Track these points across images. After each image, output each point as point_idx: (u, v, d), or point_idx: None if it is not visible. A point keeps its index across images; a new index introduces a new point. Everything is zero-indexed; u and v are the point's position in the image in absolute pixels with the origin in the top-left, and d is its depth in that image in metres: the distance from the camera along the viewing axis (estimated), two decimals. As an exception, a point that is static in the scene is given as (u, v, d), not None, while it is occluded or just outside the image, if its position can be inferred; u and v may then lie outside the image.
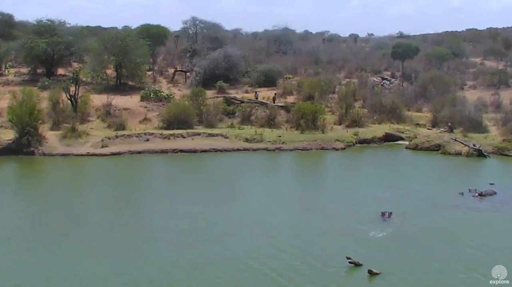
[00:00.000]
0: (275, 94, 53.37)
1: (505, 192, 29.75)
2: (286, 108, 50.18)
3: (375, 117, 49.73)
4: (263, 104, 50.32)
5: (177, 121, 45.56)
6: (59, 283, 18.47)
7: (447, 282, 18.58)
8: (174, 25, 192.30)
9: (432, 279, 18.70)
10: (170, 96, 51.51)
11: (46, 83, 52.04)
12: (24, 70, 59.49)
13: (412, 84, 62.56)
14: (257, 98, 51.63)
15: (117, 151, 39.86)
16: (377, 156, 41.45)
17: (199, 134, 43.94)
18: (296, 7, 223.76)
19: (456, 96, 52.63)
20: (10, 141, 39.57)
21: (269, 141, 42.87)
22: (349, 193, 29.90)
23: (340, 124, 48.06)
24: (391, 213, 25.11)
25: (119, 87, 55.09)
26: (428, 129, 47.87)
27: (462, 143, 40.76)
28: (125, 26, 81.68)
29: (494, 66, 72.17)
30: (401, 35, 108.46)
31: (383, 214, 25.04)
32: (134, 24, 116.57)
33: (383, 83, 64.64)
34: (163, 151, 40.39)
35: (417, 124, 49.26)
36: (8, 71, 59.48)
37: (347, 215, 25.61)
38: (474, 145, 40.17)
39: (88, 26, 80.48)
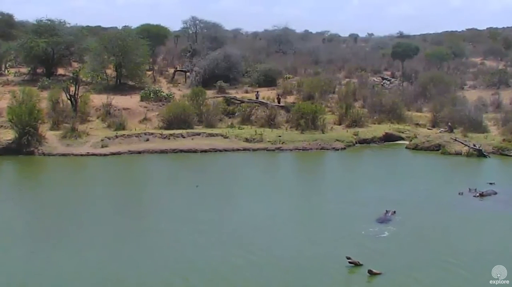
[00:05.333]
0: (278, 95, 53.35)
1: (505, 192, 29.70)
2: (286, 108, 50.18)
3: (375, 117, 49.68)
4: (263, 104, 50.32)
5: (177, 121, 45.52)
6: (62, 281, 18.49)
7: (447, 282, 18.56)
8: (174, 25, 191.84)
9: (432, 279, 18.68)
10: (170, 96, 51.49)
11: (46, 83, 51.98)
12: (24, 70, 59.41)
13: (412, 84, 62.49)
14: (257, 98, 51.61)
15: (117, 151, 39.85)
16: (377, 156, 41.45)
17: (199, 134, 43.91)
18: (296, 7, 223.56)
19: (456, 96, 52.57)
20: (10, 141, 39.57)
21: (269, 141, 42.85)
22: (349, 192, 29.87)
23: (340, 124, 48.02)
24: (394, 211, 25.18)
25: (119, 87, 55.05)
26: (428, 129, 47.82)
27: (462, 143, 40.74)
28: (125, 26, 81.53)
29: (494, 66, 72.09)
30: (401, 35, 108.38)
31: (387, 212, 25.10)
32: (134, 24, 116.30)
33: (383, 83, 64.58)
34: (163, 151, 40.38)
35: (417, 124, 49.17)
36: (8, 71, 59.43)
37: (347, 215, 25.59)
38: (474, 145, 40.14)
39: (88, 26, 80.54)
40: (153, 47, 64.91)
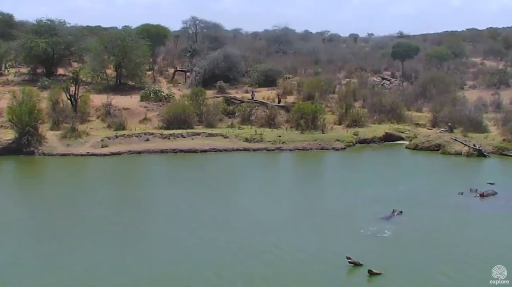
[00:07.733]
0: (279, 95, 53.34)
1: (505, 192, 29.70)
2: (286, 108, 50.17)
3: (375, 117, 49.67)
4: (263, 104, 50.31)
5: (177, 121, 45.52)
6: (63, 281, 18.51)
7: (447, 282, 18.56)
8: (174, 25, 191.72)
9: (432, 279, 18.68)
10: (170, 96, 51.49)
11: (46, 83, 51.99)
12: (24, 70, 59.42)
13: (412, 84, 62.47)
14: (253, 98, 51.51)
15: (117, 151, 39.85)
16: (377, 156, 41.43)
17: (199, 134, 43.90)
18: (296, 7, 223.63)
19: (456, 96, 52.58)
20: (10, 141, 39.57)
21: (269, 141, 42.85)
22: (349, 192, 29.83)
23: (340, 124, 48.00)
24: (401, 211, 25.25)
25: (119, 87, 55.05)
26: (428, 129, 47.80)
27: (462, 143, 40.74)
28: (125, 26, 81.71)
29: (494, 66, 72.04)
30: (401, 35, 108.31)
31: (393, 211, 25.17)
32: (134, 24, 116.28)
33: (383, 83, 64.58)
34: (163, 151, 40.38)
35: (417, 124, 49.14)
36: (8, 71, 59.43)
37: (347, 215, 25.60)
38: (474, 145, 40.14)
39: (88, 26, 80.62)
40: (153, 47, 64.90)
